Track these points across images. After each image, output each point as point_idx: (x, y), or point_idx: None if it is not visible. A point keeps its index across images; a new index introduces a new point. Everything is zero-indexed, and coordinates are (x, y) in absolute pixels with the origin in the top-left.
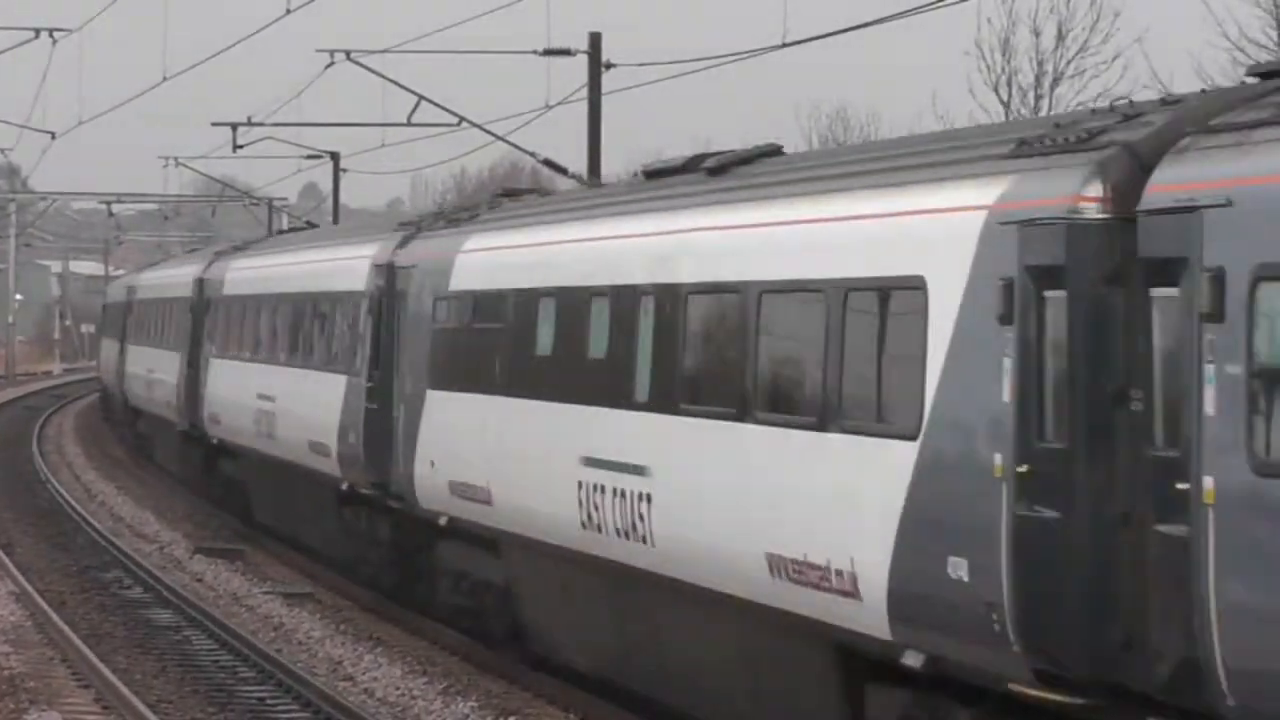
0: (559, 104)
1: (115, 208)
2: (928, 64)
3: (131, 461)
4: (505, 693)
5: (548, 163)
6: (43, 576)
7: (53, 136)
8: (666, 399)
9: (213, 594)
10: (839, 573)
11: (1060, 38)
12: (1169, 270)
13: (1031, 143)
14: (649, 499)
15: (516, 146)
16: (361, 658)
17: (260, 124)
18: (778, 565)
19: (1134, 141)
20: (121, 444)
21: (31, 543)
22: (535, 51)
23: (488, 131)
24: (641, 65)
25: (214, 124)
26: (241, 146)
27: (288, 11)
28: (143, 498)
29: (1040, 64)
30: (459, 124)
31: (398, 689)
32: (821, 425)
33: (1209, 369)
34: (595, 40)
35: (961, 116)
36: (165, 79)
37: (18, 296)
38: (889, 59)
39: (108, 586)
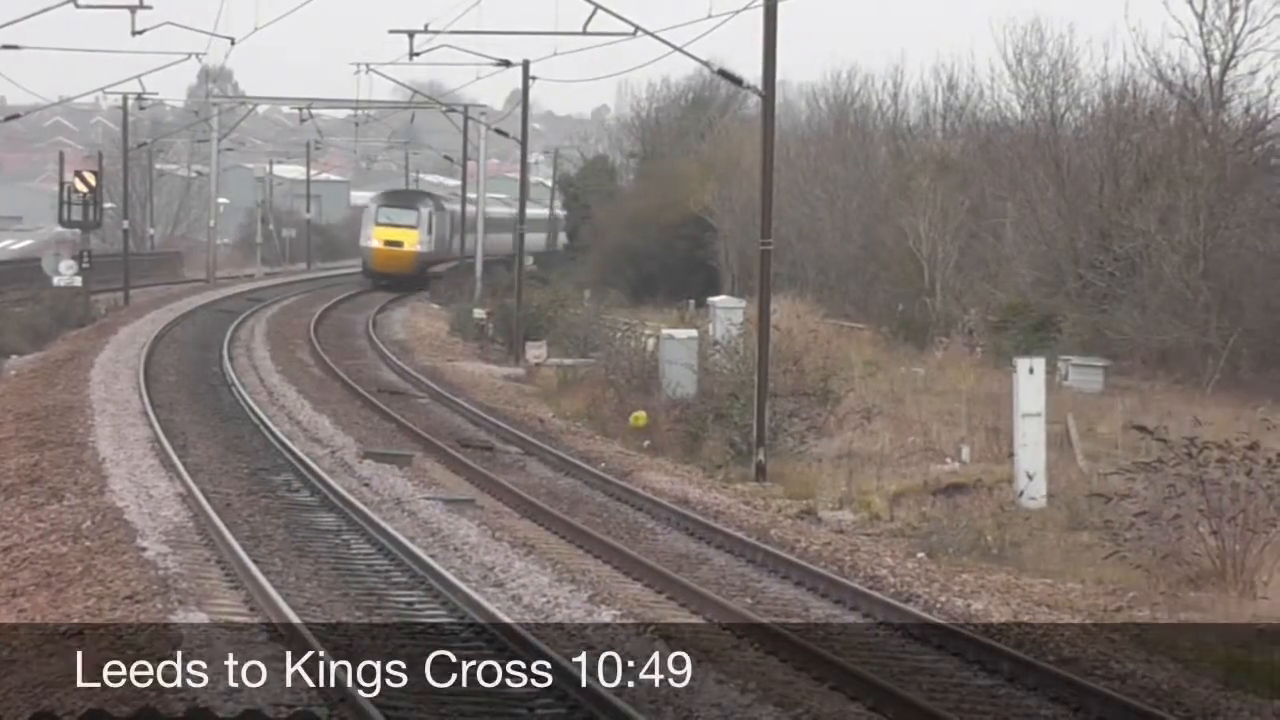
0: (727, 15)
1: (315, 112)
2: None
3: (318, 366)
4: (653, 602)
5: (722, 73)
6: (213, 478)
7: (232, 42)
8: None
9: (377, 499)
10: None
11: None
12: None
13: None
14: None
15: (692, 56)
16: (512, 564)
17: (437, 31)
18: None
19: None
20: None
21: (207, 445)
22: None
23: (663, 40)
24: None
25: (391, 31)
26: (418, 54)
27: None
28: (321, 402)
29: None
30: (634, 33)
31: (544, 596)
32: None
33: None
34: None
35: None
36: None
37: (222, 200)
38: None
39: (275, 489)
